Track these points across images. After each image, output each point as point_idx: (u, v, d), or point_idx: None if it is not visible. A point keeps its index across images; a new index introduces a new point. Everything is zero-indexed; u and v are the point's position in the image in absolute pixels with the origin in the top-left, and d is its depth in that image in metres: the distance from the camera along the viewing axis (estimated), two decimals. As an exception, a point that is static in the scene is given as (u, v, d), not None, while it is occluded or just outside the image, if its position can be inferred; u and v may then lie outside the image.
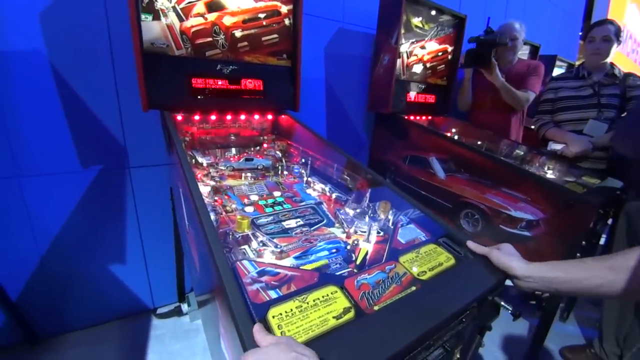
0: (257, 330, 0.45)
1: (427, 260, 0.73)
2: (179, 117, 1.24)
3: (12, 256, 1.31)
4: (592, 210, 1.25)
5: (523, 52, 2.73)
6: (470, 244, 0.76)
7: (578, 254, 1.28)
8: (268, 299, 0.56)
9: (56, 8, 1.18)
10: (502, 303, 0.66)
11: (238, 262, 0.66)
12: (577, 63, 2.25)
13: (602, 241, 1.61)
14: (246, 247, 0.77)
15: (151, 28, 1.08)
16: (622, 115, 1.71)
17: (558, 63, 3.09)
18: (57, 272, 1.41)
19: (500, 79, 1.83)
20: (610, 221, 1.47)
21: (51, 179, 1.31)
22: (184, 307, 1.69)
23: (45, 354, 1.39)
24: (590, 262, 0.62)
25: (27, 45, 1.17)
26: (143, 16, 1.05)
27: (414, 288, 0.63)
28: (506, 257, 0.68)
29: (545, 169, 1.62)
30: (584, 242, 1.28)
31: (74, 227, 1.40)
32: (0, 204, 1.24)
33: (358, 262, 0.74)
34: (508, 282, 0.69)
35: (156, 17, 1.08)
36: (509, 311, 0.65)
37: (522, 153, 1.86)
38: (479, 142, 1.90)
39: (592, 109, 1.75)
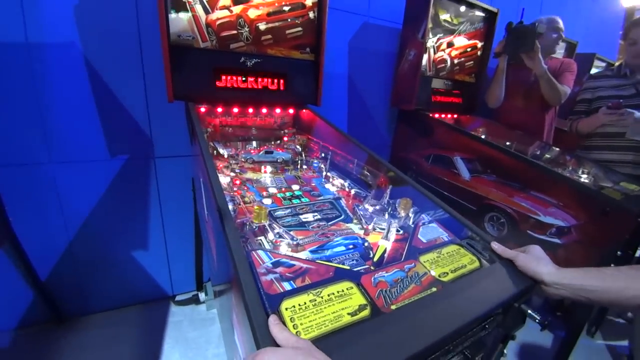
0: (273, 323, 0.44)
1: (450, 262, 0.69)
2: (202, 109, 1.25)
3: (43, 239, 1.38)
4: (630, 219, 1.16)
5: (559, 51, 2.59)
6: (495, 245, 0.72)
7: (612, 265, 1.20)
8: (282, 290, 0.55)
9: (89, 2, 1.22)
10: (529, 311, 0.62)
11: (253, 252, 0.65)
12: (617, 63, 2.09)
13: (638, 253, 1.51)
14: (262, 238, 0.77)
15: (178, 21, 1.10)
16: None
17: (596, 62, 2.90)
18: (84, 256, 1.48)
19: (542, 66, 1.67)
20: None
21: (82, 166, 1.37)
22: (202, 295, 1.72)
23: (69, 333, 1.46)
24: (627, 270, 0.57)
25: (62, 37, 1.22)
26: (171, 10, 1.07)
27: (434, 289, 0.61)
28: (534, 260, 0.64)
29: (580, 172, 1.53)
30: (619, 253, 1.19)
31: (101, 213, 1.46)
32: (34, 188, 1.31)
33: (375, 259, 0.72)
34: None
35: (183, 9, 1.09)
36: (537, 320, 0.61)
37: (554, 155, 1.76)
38: (507, 143, 1.81)
39: (635, 111, 1.62)
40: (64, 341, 1.42)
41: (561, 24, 1.85)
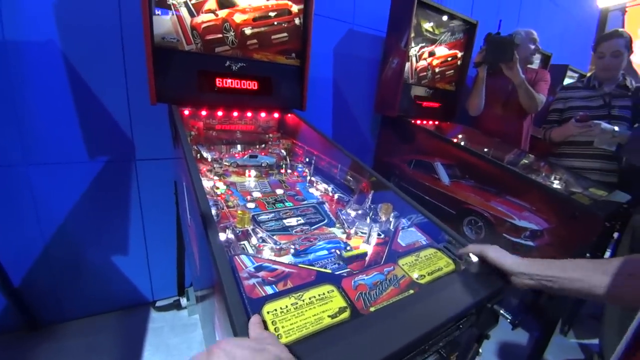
0: (254, 322, 0.45)
1: (427, 265, 0.72)
2: (186, 112, 1.25)
3: (17, 242, 1.33)
4: (597, 223, 1.23)
5: (534, 62, 2.71)
6: (463, 249, 0.75)
7: (582, 267, 1.26)
8: (264, 294, 0.56)
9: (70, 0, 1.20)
10: (502, 311, 0.65)
11: (236, 257, 0.66)
12: (589, 73, 2.21)
13: (607, 255, 1.59)
14: (245, 242, 0.77)
15: (162, 22, 1.09)
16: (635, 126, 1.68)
17: (569, 73, 3.06)
18: (60, 260, 1.43)
19: (521, 75, 1.74)
20: (616, 235, 1.45)
21: (58, 168, 1.33)
22: (183, 301, 1.70)
23: (44, 341, 1.40)
24: (586, 263, 0.62)
25: (41, 35, 1.19)
26: (155, 10, 1.07)
27: (411, 291, 0.63)
28: (500, 253, 0.69)
29: (552, 178, 1.60)
30: (588, 255, 1.26)
31: (78, 217, 1.42)
32: (8, 190, 1.26)
33: (346, 255, 0.73)
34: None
35: (168, 11, 1.09)
36: (508, 320, 0.64)
37: (529, 161, 1.84)
38: (485, 149, 1.88)
39: (602, 121, 1.72)
40: (39, 350, 1.36)
41: (537, 36, 1.94)
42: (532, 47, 1.93)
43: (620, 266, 0.57)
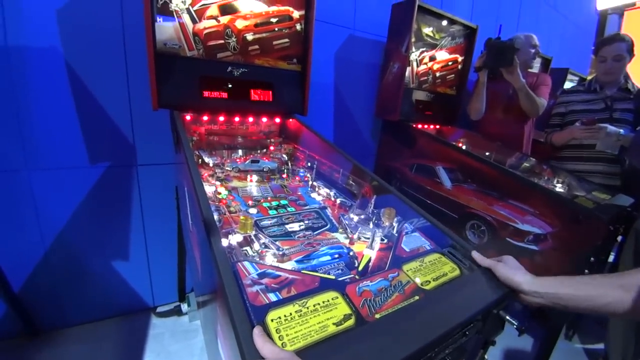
0: (258, 334, 0.44)
1: (432, 270, 0.71)
2: (188, 117, 1.25)
3: (18, 248, 1.32)
4: (601, 226, 1.22)
5: (534, 65, 2.72)
6: (475, 254, 0.74)
7: (586, 271, 1.25)
8: (267, 301, 0.55)
9: (73, 6, 1.21)
10: (508, 317, 0.64)
11: (239, 263, 0.65)
12: (589, 77, 2.21)
13: (611, 258, 1.58)
14: (248, 248, 0.77)
15: (165, 29, 1.10)
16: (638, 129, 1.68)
17: (569, 77, 3.07)
18: (60, 266, 1.42)
19: (521, 80, 1.75)
20: (619, 238, 1.43)
21: (60, 174, 1.33)
22: (184, 307, 1.68)
23: (44, 348, 1.39)
24: (600, 279, 0.61)
25: (44, 41, 1.20)
26: (157, 17, 1.07)
27: (417, 297, 0.62)
28: (511, 270, 0.67)
29: (555, 182, 1.60)
30: (592, 259, 1.25)
31: (79, 222, 1.41)
32: (9, 195, 1.26)
33: (360, 268, 0.73)
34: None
35: (170, 18, 1.10)
36: (514, 326, 0.63)
37: (531, 165, 1.83)
38: (487, 153, 1.88)
39: (607, 125, 1.71)
40: (40, 356, 1.35)
41: (537, 41, 1.95)
42: (532, 51, 1.93)
43: (636, 279, 0.56)
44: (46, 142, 1.28)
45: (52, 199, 1.34)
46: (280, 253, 0.74)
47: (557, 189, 1.52)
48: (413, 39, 1.75)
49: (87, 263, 1.48)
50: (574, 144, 1.80)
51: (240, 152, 1.38)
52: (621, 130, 1.56)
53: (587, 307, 0.60)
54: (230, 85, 1.25)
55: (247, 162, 1.26)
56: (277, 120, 1.48)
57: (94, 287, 1.51)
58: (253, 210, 0.96)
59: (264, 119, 1.43)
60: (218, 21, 1.18)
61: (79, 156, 1.35)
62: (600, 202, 1.39)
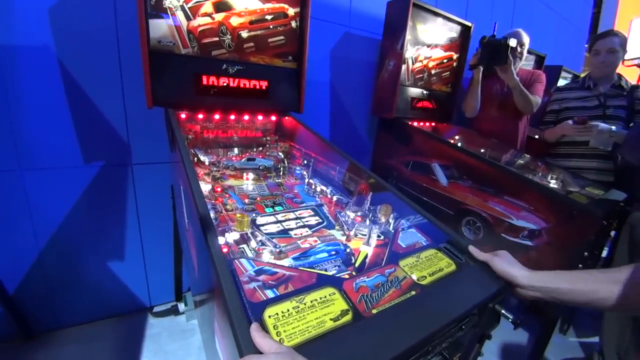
0: (255, 329, 0.44)
1: (428, 265, 0.72)
2: (183, 115, 1.24)
3: (11, 249, 1.31)
4: (594, 221, 1.24)
5: (528, 62, 2.74)
6: (472, 249, 0.75)
7: (580, 265, 1.27)
8: (265, 298, 0.55)
9: (66, 4, 1.19)
10: (503, 311, 0.65)
11: (236, 260, 0.65)
12: (583, 74, 2.23)
13: (604, 253, 1.60)
14: (245, 246, 0.77)
15: (158, 26, 1.09)
16: (630, 125, 1.70)
17: (563, 74, 3.09)
18: (55, 267, 1.41)
19: (515, 78, 1.78)
20: (613, 233, 1.45)
21: (53, 173, 1.32)
22: (181, 306, 1.68)
23: (40, 349, 1.38)
24: (596, 274, 0.61)
25: (36, 40, 1.18)
26: (151, 14, 1.06)
27: (413, 292, 0.62)
28: (508, 264, 0.67)
29: (549, 178, 1.61)
30: (586, 253, 1.26)
31: (74, 222, 1.40)
32: (2, 196, 1.24)
33: (357, 264, 0.73)
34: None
35: (164, 15, 1.09)
36: (510, 320, 0.64)
37: (526, 162, 1.85)
38: (482, 150, 1.89)
39: (597, 121, 1.73)
40: (35, 358, 1.34)
41: (524, 38, 1.94)
42: (519, 49, 1.94)
43: (632, 275, 0.57)
44: (39, 142, 1.26)
45: (46, 199, 1.32)
46: (277, 250, 0.74)
47: (552, 185, 1.53)
48: (408, 37, 1.75)
49: (83, 263, 1.46)
50: (568, 140, 1.82)
51: (236, 150, 1.37)
52: (613, 127, 1.58)
53: (583, 301, 0.60)
54: (225, 83, 1.25)
55: (243, 160, 1.26)
56: (273, 118, 1.47)
57: (89, 287, 1.50)
58: (250, 208, 0.96)
59: (260, 117, 1.43)
60: (213, 18, 1.17)
61: (73, 155, 1.34)
62: (593, 197, 1.41)
